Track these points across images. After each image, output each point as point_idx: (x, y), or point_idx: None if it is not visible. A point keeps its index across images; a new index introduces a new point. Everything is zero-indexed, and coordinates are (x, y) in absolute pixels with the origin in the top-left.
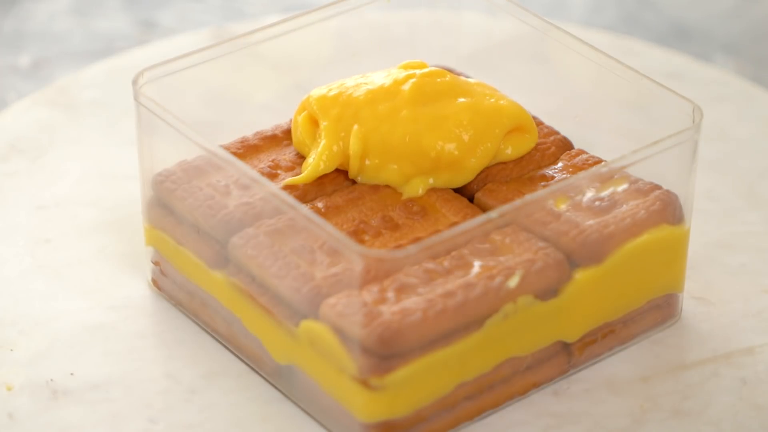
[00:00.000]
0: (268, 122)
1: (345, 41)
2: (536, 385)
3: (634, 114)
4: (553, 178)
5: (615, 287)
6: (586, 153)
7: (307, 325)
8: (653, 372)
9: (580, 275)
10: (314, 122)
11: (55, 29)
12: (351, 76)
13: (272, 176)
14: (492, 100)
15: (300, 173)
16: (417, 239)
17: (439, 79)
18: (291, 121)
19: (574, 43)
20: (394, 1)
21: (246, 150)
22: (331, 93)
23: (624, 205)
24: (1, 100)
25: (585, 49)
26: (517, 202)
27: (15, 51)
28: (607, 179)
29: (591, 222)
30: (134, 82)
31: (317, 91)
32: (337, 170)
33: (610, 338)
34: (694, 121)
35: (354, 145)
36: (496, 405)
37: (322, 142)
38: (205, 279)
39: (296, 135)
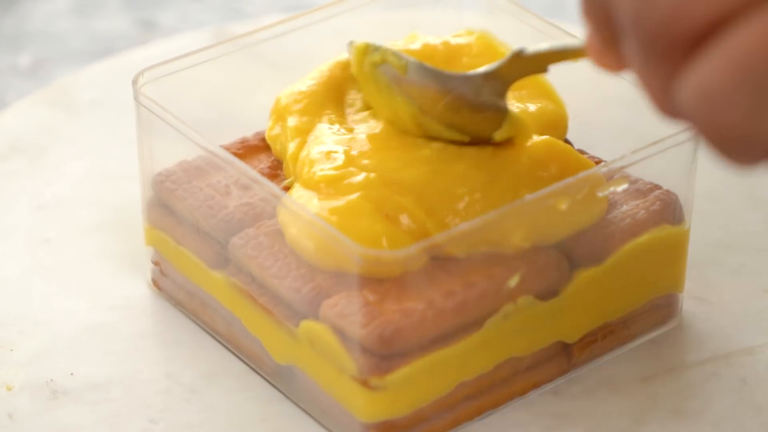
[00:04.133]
0: (268, 122)
1: (345, 41)
2: (536, 385)
3: (634, 114)
4: None
5: (615, 287)
6: (586, 153)
7: (307, 325)
8: (653, 372)
9: (581, 275)
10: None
11: (55, 29)
12: None
13: (272, 177)
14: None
15: None
16: None
17: None
18: None
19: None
20: (394, 1)
21: (246, 150)
22: (296, 88)
23: (624, 206)
24: (1, 100)
25: None
26: (517, 202)
27: (15, 51)
28: (607, 179)
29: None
30: (134, 82)
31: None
32: None
33: (610, 338)
34: None
35: None
36: (496, 405)
37: (290, 144)
38: (205, 279)
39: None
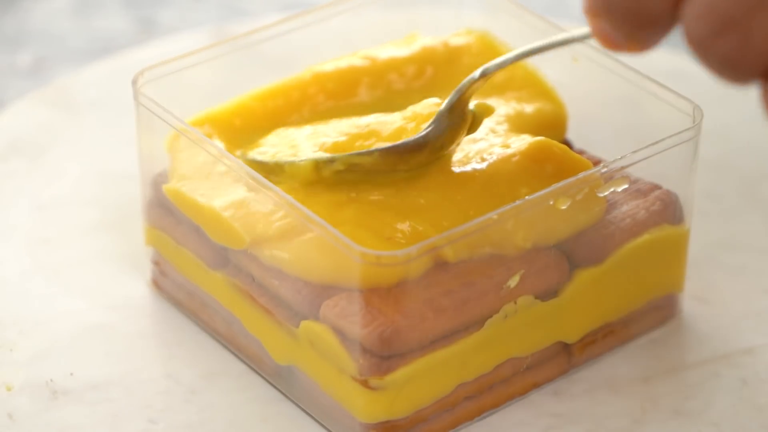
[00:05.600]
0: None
1: (345, 41)
2: (536, 386)
3: (634, 114)
4: None
5: (615, 287)
6: (586, 153)
7: (307, 325)
8: (653, 372)
9: (580, 275)
10: None
11: (55, 29)
12: None
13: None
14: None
15: None
16: None
17: None
18: None
19: (574, 43)
20: (394, 0)
21: None
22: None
23: (624, 206)
24: (1, 100)
25: (585, 49)
26: (518, 202)
27: (15, 50)
28: (607, 179)
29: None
30: (134, 82)
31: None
32: None
33: (611, 338)
34: (694, 121)
35: None
36: (496, 405)
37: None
38: (205, 279)
39: None
